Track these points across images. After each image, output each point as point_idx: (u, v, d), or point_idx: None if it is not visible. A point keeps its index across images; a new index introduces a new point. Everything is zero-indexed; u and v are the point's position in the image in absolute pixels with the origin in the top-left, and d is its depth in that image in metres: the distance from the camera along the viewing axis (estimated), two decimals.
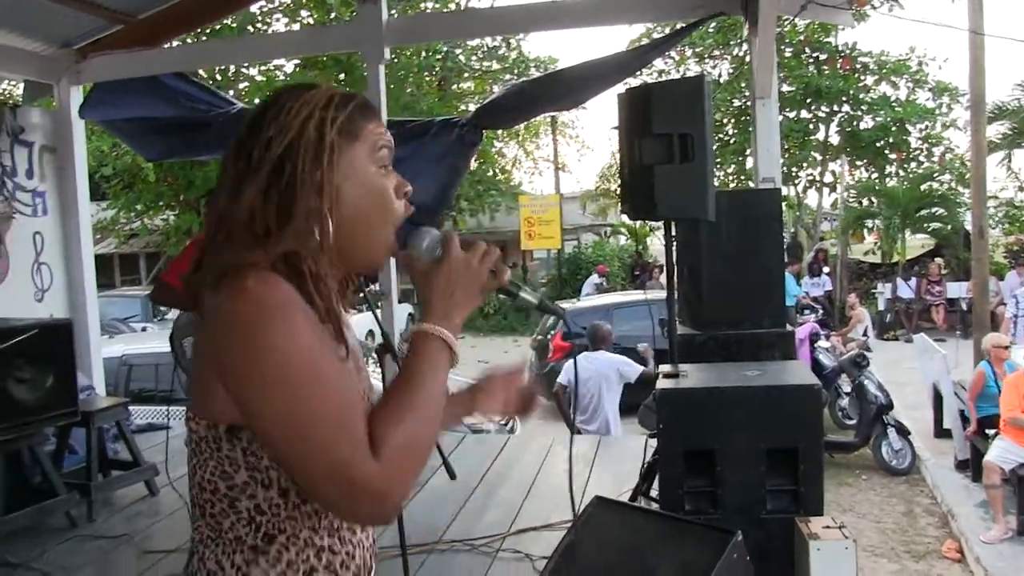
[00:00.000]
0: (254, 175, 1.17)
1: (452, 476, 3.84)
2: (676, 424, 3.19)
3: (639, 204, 3.56)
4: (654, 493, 3.53)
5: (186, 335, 3.99)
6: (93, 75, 5.94)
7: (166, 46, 6.24)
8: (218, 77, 16.24)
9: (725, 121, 19.96)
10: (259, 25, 16.53)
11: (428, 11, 17.40)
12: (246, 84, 17.13)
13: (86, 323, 6.08)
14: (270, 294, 1.10)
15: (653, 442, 3.38)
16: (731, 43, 18.62)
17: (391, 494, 1.11)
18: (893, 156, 19.57)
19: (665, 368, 3.53)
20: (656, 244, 24.47)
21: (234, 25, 14.84)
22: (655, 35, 16.62)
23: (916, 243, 20.54)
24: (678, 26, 5.54)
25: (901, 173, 20.23)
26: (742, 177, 19.75)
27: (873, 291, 18.00)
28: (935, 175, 19.54)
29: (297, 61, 15.33)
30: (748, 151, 17.64)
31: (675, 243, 3.87)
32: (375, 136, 1.25)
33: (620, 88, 4.48)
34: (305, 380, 1.09)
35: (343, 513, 1.18)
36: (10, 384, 4.02)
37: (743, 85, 18.22)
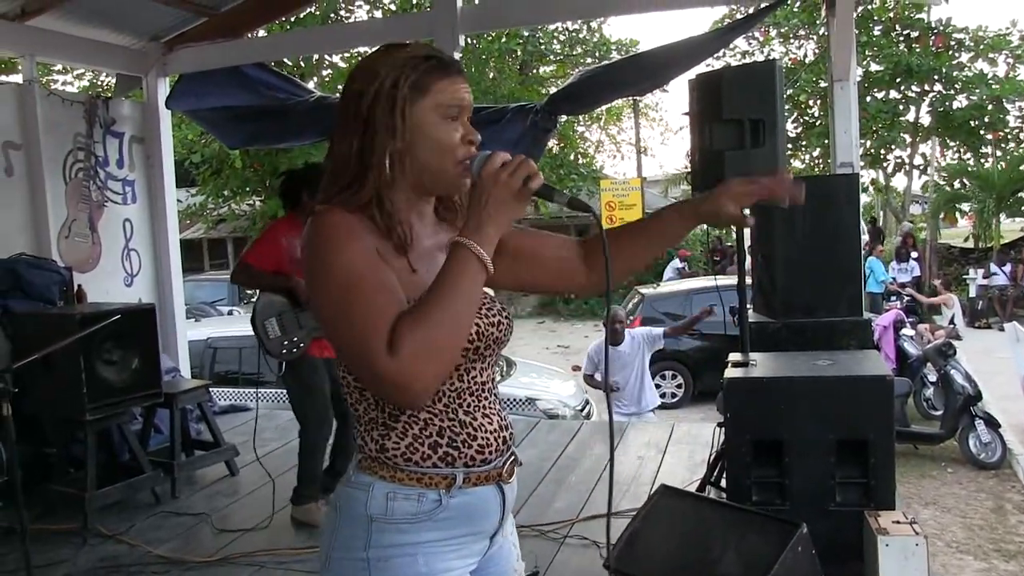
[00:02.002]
0: (352, 121, 1.43)
1: None
2: (744, 413, 3.15)
3: (709, 189, 3.50)
4: (724, 484, 3.49)
5: (267, 316, 4.02)
6: (179, 67, 6.11)
7: (249, 36, 6.40)
8: (302, 64, 16.53)
9: (811, 103, 19.43)
10: (342, 13, 16.77)
11: None
12: (329, 71, 17.42)
13: (171, 307, 6.29)
14: (332, 226, 1.37)
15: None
16: (816, 23, 18.09)
17: (407, 386, 1.30)
18: (989, 136, 18.73)
19: (735, 356, 3.49)
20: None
21: (318, 13, 15.07)
22: (738, 16, 16.28)
23: (1015, 227, 19.73)
24: (761, 6, 5.42)
25: (998, 154, 19.39)
26: (828, 160, 19.18)
27: (964, 277, 17.35)
28: None
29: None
30: None
31: (748, 229, 3.80)
32: (443, 92, 1.44)
33: (702, 70, 4.42)
34: (345, 290, 1.33)
35: (379, 396, 1.42)
36: (99, 366, 4.20)
37: None
